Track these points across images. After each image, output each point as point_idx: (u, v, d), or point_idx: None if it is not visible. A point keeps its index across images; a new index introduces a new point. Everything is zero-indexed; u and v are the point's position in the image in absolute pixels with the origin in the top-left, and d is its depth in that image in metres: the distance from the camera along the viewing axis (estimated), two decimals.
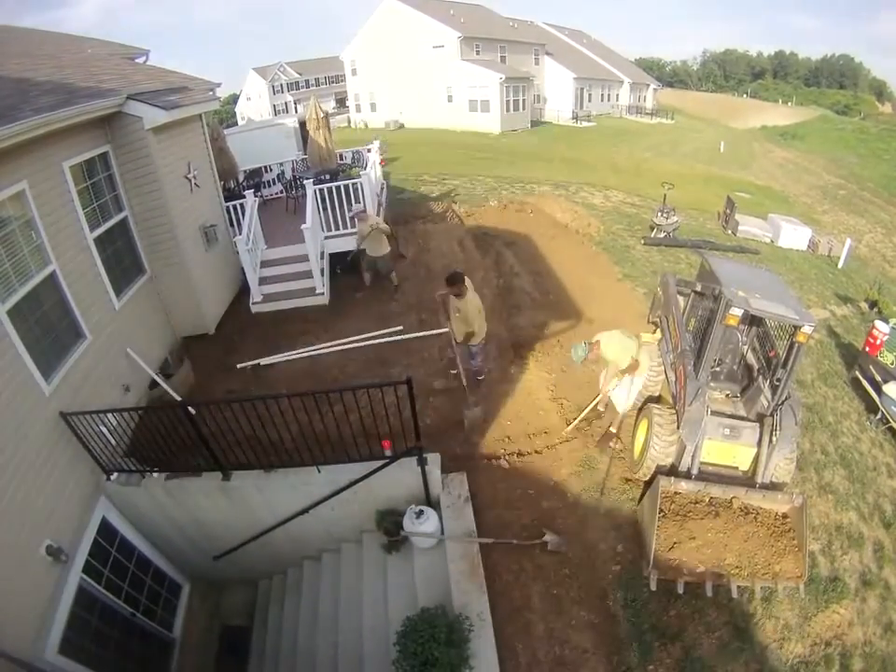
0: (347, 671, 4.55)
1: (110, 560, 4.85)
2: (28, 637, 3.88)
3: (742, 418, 4.70)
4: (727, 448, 4.60)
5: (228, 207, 8.24)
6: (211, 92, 7.68)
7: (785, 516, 4.48)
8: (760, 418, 4.59)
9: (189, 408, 4.38)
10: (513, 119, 30.25)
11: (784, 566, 4.20)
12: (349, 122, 35.93)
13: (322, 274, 7.98)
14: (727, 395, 5.02)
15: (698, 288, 5.62)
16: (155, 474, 4.93)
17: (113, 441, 4.70)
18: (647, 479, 4.92)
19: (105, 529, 4.87)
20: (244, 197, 8.32)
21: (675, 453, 4.69)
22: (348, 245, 8.65)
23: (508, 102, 29.75)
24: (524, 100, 31.04)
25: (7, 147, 4.08)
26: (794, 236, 13.27)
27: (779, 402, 4.43)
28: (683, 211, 15.19)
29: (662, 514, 4.31)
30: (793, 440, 4.39)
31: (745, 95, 73.19)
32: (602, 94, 41.46)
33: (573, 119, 34.81)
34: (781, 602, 4.33)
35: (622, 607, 4.21)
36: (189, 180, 6.84)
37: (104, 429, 4.58)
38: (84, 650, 4.34)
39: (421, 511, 4.50)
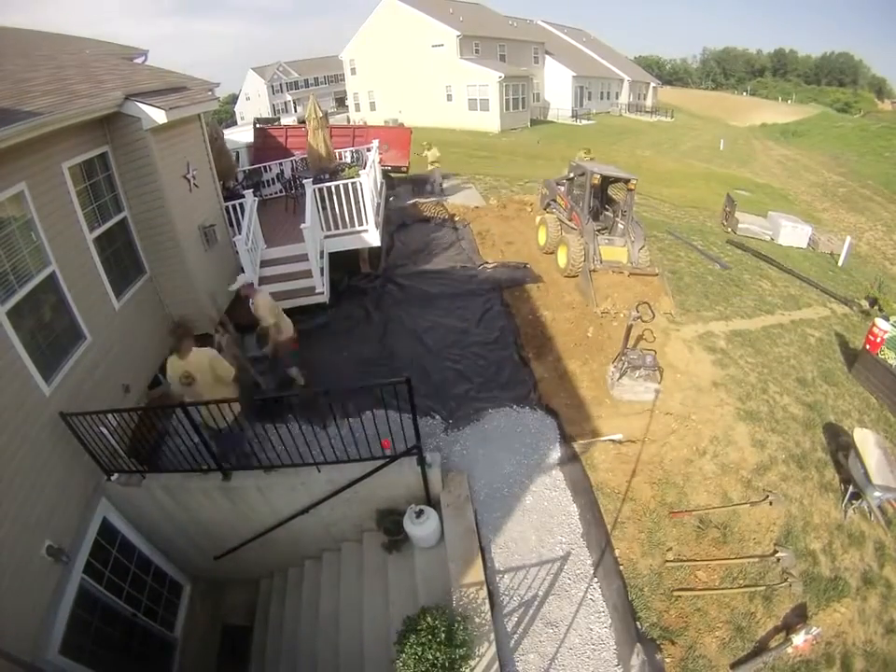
0: (348, 670, 4.56)
1: (111, 560, 4.84)
2: (29, 638, 3.88)
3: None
4: (612, 250, 8.33)
5: (227, 207, 8.21)
6: (210, 92, 7.63)
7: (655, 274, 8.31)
8: (622, 233, 8.47)
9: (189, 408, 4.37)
10: (513, 117, 30.24)
11: (662, 302, 7.78)
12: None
13: (322, 274, 7.96)
14: (599, 228, 8.67)
15: (571, 175, 9.37)
16: (155, 474, 4.93)
17: (113, 442, 4.70)
18: (573, 274, 8.48)
19: (106, 530, 4.86)
20: (243, 196, 8.31)
21: (583, 257, 8.31)
22: (348, 244, 8.64)
23: (507, 100, 29.75)
24: (523, 98, 31.03)
25: (6, 148, 4.05)
26: (794, 234, 13.25)
27: (628, 223, 8.39)
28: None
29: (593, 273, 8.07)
30: (642, 239, 8.40)
31: (744, 93, 73.14)
32: (602, 92, 41.47)
33: (573, 117, 34.80)
34: (782, 601, 4.33)
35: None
36: (189, 180, 6.82)
37: (104, 430, 4.56)
38: (85, 650, 4.34)
39: (421, 511, 4.50)
